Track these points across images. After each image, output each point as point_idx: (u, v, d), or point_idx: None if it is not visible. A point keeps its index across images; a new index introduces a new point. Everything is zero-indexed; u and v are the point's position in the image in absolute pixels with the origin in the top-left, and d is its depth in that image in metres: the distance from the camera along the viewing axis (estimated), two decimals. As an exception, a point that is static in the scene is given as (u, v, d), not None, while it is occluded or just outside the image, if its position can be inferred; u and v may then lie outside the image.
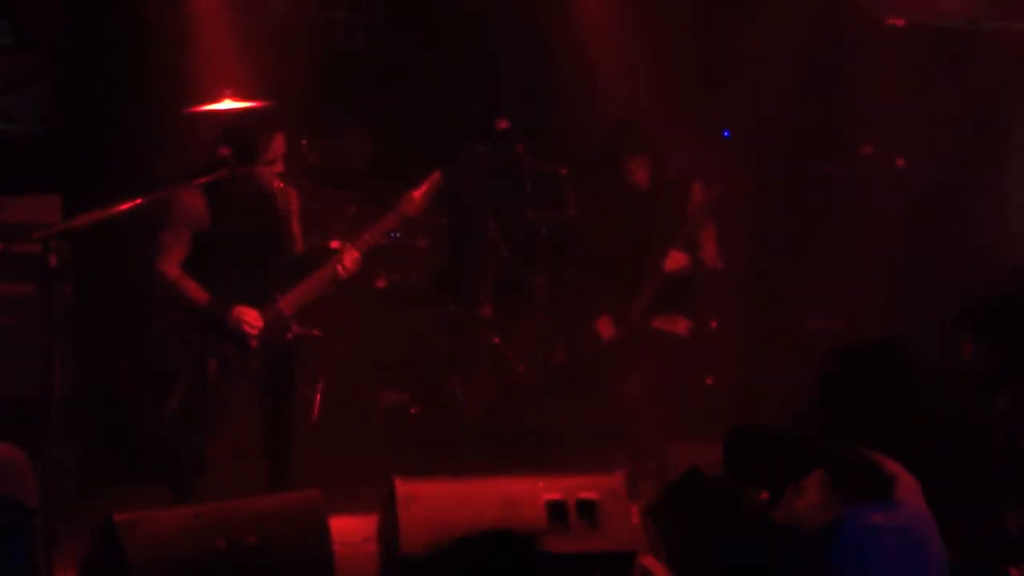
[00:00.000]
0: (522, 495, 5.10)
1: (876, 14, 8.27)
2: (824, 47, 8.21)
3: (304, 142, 7.88)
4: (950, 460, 4.04)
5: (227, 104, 6.68)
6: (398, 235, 8.12)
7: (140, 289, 6.09)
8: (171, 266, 5.80)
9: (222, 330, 5.79)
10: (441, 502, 5.02)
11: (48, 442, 5.12)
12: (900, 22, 8.25)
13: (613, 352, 6.97)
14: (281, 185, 5.98)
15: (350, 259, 5.93)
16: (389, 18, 9.04)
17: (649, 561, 4.94)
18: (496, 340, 8.41)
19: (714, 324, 8.44)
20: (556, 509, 5.09)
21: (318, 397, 7.74)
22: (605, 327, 6.99)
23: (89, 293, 5.92)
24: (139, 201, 5.49)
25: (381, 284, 8.10)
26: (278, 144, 5.87)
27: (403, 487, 5.02)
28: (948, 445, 4.09)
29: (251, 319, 5.80)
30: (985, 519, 4.12)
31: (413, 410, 8.12)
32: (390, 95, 8.68)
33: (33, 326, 7.09)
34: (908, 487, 3.80)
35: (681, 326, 7.00)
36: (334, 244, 6.43)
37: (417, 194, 6.05)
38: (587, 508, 5.12)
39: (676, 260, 6.87)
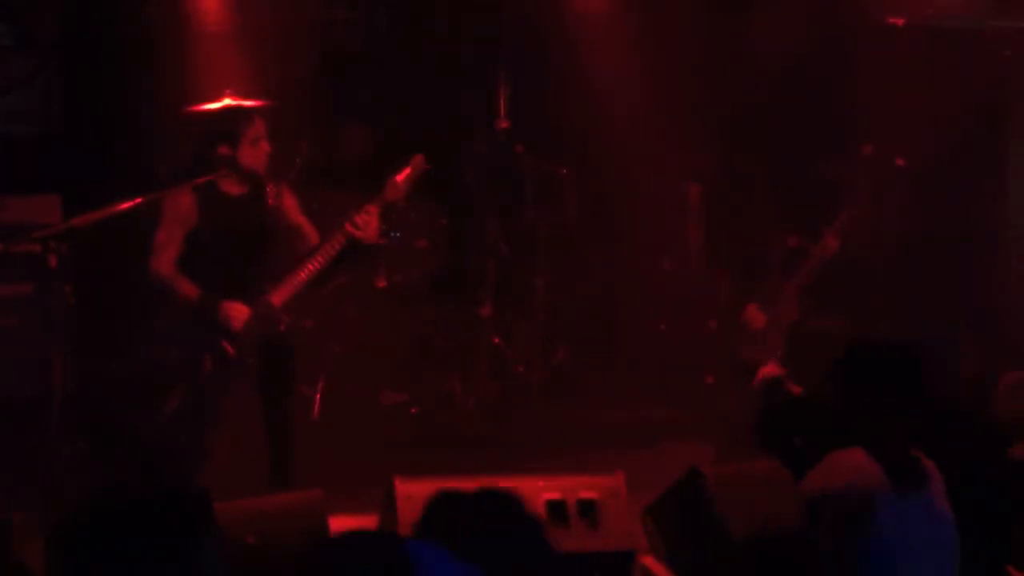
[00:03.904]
0: (522, 495, 5.09)
1: (876, 14, 8.27)
2: (824, 47, 8.21)
3: (304, 144, 7.89)
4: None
5: (227, 104, 6.69)
6: (398, 235, 8.13)
7: (139, 288, 6.10)
8: (165, 265, 5.85)
9: (213, 326, 5.82)
10: (441, 502, 5.02)
11: (48, 442, 5.12)
12: (900, 22, 8.25)
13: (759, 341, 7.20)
14: (272, 185, 6.02)
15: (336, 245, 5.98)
16: (389, 18, 9.04)
17: (649, 561, 4.95)
18: (496, 340, 8.41)
19: (714, 324, 8.44)
20: (556, 509, 5.09)
21: (318, 397, 7.74)
22: (755, 316, 7.12)
23: (89, 293, 5.92)
24: (139, 201, 5.50)
25: (381, 284, 8.10)
26: (258, 124, 5.94)
27: (403, 487, 5.02)
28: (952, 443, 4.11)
29: (237, 313, 5.84)
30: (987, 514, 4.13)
31: (413, 410, 8.12)
32: (390, 95, 8.68)
33: (33, 326, 7.10)
34: (939, 487, 3.83)
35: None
36: None
37: (400, 178, 6.13)
38: (587, 508, 5.12)
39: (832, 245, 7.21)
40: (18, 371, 6.92)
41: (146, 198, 5.57)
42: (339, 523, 5.11)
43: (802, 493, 3.83)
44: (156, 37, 7.79)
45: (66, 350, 5.36)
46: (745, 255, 7.38)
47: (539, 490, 5.11)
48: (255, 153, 5.91)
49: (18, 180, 7.58)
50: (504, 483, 5.17)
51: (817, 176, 8.11)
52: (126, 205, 5.44)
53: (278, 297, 5.96)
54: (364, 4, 8.97)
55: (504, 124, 8.07)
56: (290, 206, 6.12)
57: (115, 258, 6.92)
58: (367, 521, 5.50)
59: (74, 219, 5.36)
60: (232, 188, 5.95)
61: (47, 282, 5.25)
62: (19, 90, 7.96)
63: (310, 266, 6.00)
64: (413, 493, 4.99)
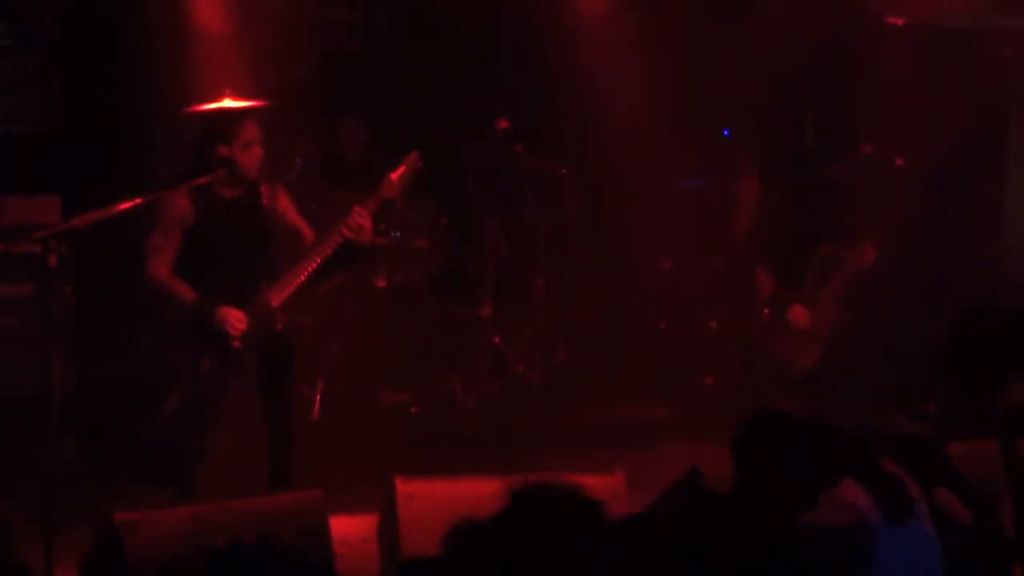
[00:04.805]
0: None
1: (876, 14, 8.28)
2: (824, 47, 8.21)
3: (304, 144, 7.91)
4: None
5: (227, 104, 6.69)
6: (398, 235, 8.13)
7: (138, 289, 6.10)
8: (161, 268, 5.84)
9: (210, 329, 5.81)
10: (441, 502, 5.01)
11: (48, 442, 5.12)
12: (900, 22, 8.25)
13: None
14: (266, 187, 6.02)
15: (332, 244, 5.98)
16: (389, 18, 9.05)
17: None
18: (496, 340, 8.41)
19: (713, 324, 8.45)
20: (556, 509, 5.08)
21: (318, 397, 7.74)
22: (800, 315, 7.15)
23: (89, 293, 5.92)
24: (139, 201, 5.49)
25: (381, 284, 8.11)
26: (251, 127, 5.92)
27: (403, 487, 5.01)
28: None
29: (234, 319, 5.82)
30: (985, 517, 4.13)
31: (413, 410, 8.12)
32: (389, 95, 8.68)
33: (33, 326, 7.10)
34: (923, 509, 3.81)
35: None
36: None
37: (395, 176, 6.10)
38: (587, 508, 5.11)
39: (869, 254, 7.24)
40: (18, 371, 6.92)
41: (146, 198, 5.56)
42: (339, 523, 5.11)
43: (801, 531, 3.79)
44: (156, 37, 7.79)
45: (66, 350, 5.35)
46: (782, 256, 7.38)
47: (539, 490, 5.10)
48: (247, 156, 5.90)
49: (18, 180, 7.59)
50: (504, 483, 5.20)
51: (817, 177, 8.12)
52: (126, 205, 5.43)
53: (276, 298, 5.95)
54: (364, 4, 8.98)
55: (504, 124, 8.06)
56: (286, 207, 6.12)
57: (115, 258, 6.92)
58: (367, 521, 5.51)
59: (74, 219, 5.35)
60: (227, 190, 5.95)
61: (47, 282, 5.24)
62: (19, 90, 7.97)
63: (308, 267, 5.99)
64: (413, 493, 4.99)
